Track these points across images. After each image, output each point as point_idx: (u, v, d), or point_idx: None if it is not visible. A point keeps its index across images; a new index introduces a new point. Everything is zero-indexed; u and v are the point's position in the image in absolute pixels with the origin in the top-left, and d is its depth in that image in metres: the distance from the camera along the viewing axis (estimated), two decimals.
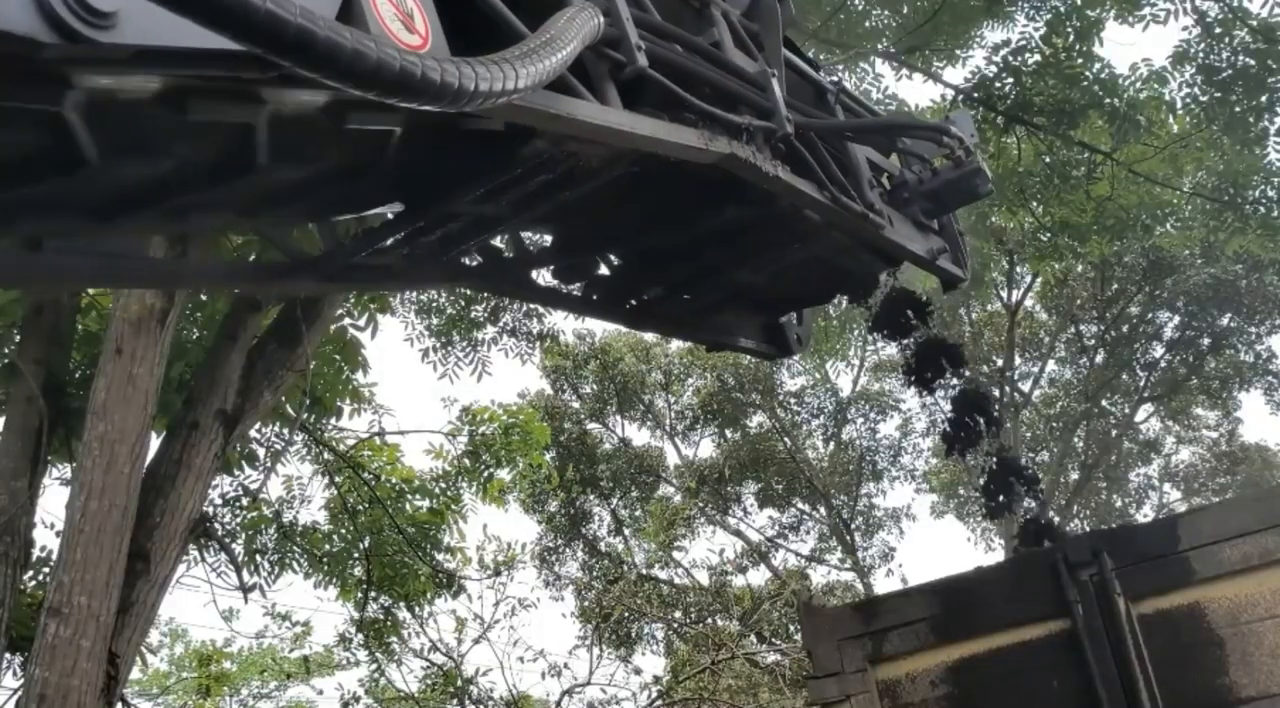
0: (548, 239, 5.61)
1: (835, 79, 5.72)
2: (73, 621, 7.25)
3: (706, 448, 27.15)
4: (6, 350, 9.47)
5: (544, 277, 6.04)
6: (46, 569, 9.59)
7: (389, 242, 4.36)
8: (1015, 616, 5.95)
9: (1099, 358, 28.12)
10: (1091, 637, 5.65)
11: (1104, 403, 28.59)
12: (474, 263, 5.27)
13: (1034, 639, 5.87)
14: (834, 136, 5.21)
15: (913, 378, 7.75)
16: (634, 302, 5.80)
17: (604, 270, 5.71)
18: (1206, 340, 26.89)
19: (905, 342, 7.43)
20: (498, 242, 5.40)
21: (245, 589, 10.99)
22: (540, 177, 4.00)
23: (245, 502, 12.71)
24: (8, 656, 8.48)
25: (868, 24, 14.57)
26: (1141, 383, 28.44)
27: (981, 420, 7.62)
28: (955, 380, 7.76)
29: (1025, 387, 28.87)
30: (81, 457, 7.73)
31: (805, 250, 5.50)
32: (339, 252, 4.37)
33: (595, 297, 5.71)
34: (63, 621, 7.24)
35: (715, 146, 4.11)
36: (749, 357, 25.87)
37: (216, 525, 11.03)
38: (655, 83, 3.86)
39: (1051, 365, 29.48)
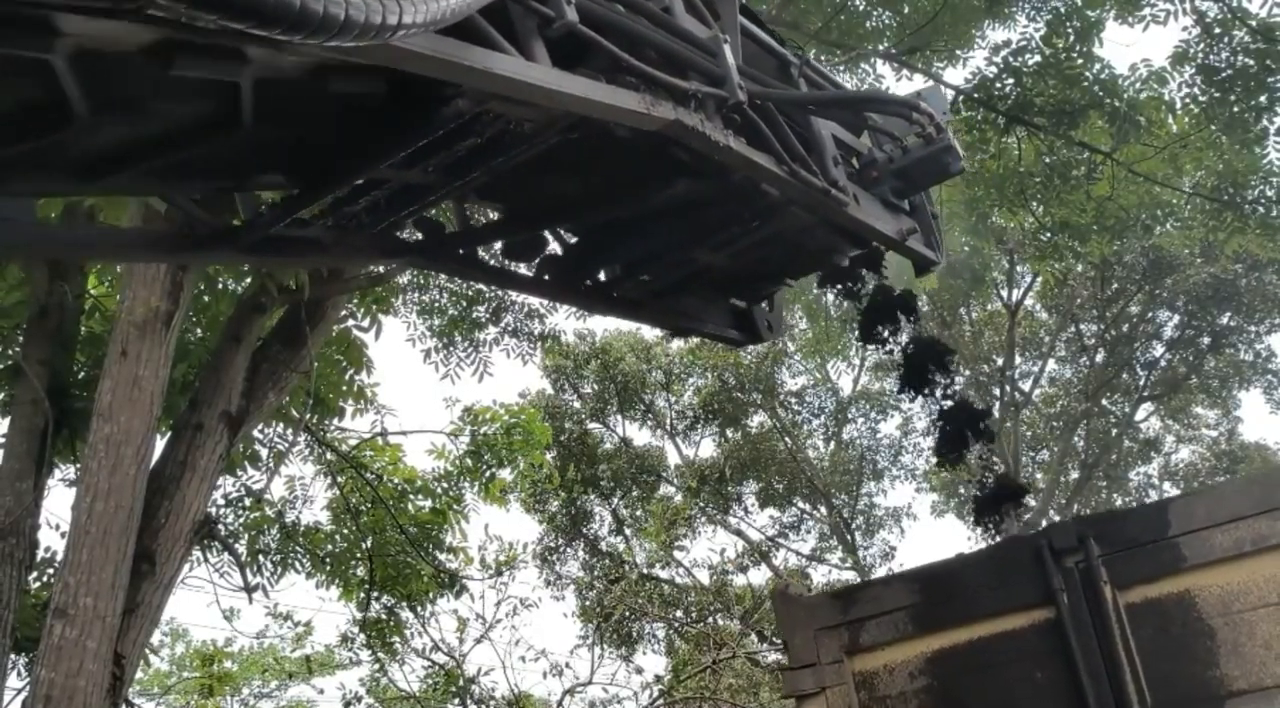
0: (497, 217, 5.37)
1: (799, 52, 5.50)
2: (78, 622, 7.27)
3: (707, 448, 27.20)
4: (11, 352, 9.50)
5: (501, 258, 5.79)
6: (51, 570, 9.63)
7: (312, 213, 4.13)
8: (998, 605, 5.69)
9: (1099, 357, 28.15)
10: (1077, 627, 5.43)
11: (1104, 402, 28.62)
12: (414, 238, 5.07)
13: (1017, 629, 5.64)
14: (795, 109, 4.98)
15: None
16: (589, 282, 5.58)
17: (557, 249, 5.48)
18: (1206, 339, 26.95)
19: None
20: (442, 217, 5.22)
21: (249, 590, 11.01)
22: (466, 141, 3.77)
23: (248, 502, 12.74)
24: (13, 657, 8.50)
25: (869, 24, 14.59)
26: (1141, 382, 28.48)
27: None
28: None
29: (1025, 386, 28.94)
30: (87, 458, 7.75)
31: (765, 229, 5.28)
32: (257, 222, 4.11)
33: (548, 277, 5.49)
34: (69, 622, 7.26)
35: (659, 112, 3.85)
36: (749, 356, 25.93)
37: (220, 526, 11.05)
38: (591, 43, 3.64)
39: (1052, 365, 29.55)
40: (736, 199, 4.98)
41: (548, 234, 5.41)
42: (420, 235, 5.05)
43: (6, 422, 9.00)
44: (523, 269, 6.00)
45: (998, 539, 7.10)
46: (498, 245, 5.69)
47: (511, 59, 3.27)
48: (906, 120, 5.11)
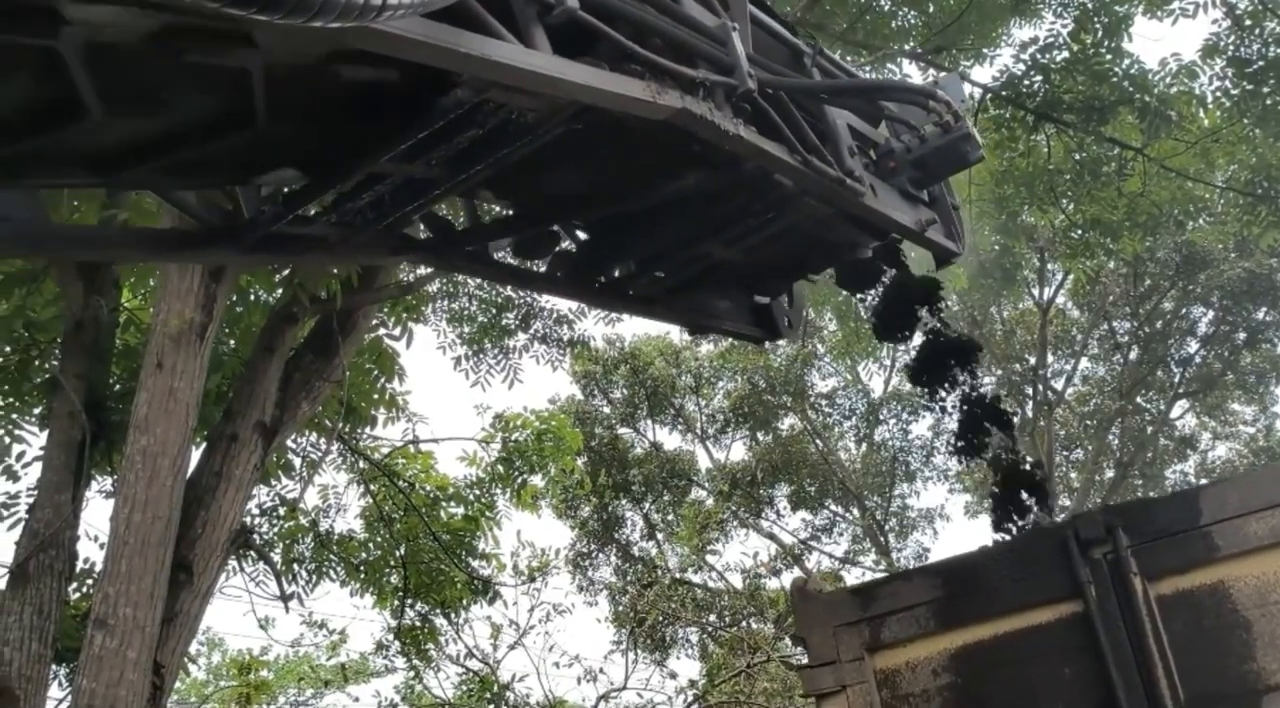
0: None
1: (812, 41, 5.35)
2: (118, 632, 7.34)
3: (738, 451, 27.16)
4: (48, 366, 9.61)
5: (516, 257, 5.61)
6: (90, 581, 9.72)
7: (313, 209, 4.04)
8: (1023, 598, 5.45)
9: (1133, 355, 27.89)
10: (1105, 620, 5.17)
11: (1139, 400, 28.36)
12: (422, 236, 4.97)
13: (1043, 624, 5.38)
14: (808, 98, 4.85)
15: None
16: (603, 279, 5.46)
17: (570, 246, 5.38)
18: (1242, 335, 26.64)
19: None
20: (451, 214, 5.08)
21: (285, 598, 11.08)
22: (467, 132, 3.66)
23: (283, 511, 12.83)
24: (55, 667, 8.58)
25: (894, 24, 14.54)
26: (1176, 379, 28.20)
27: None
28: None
29: (1058, 385, 28.71)
30: (124, 470, 7.82)
31: (780, 221, 5.14)
32: (259, 221, 4.02)
33: (560, 274, 5.40)
34: (109, 632, 7.33)
35: (665, 100, 3.75)
36: (779, 358, 25.87)
37: (255, 536, 11.13)
38: (594, 30, 3.54)
39: (1085, 363, 29.31)
40: (749, 191, 4.87)
41: (559, 230, 5.31)
42: (429, 233, 4.96)
43: (45, 435, 9.10)
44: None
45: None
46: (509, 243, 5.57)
47: (510, 46, 3.19)
48: (923, 109, 5.00)
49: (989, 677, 5.50)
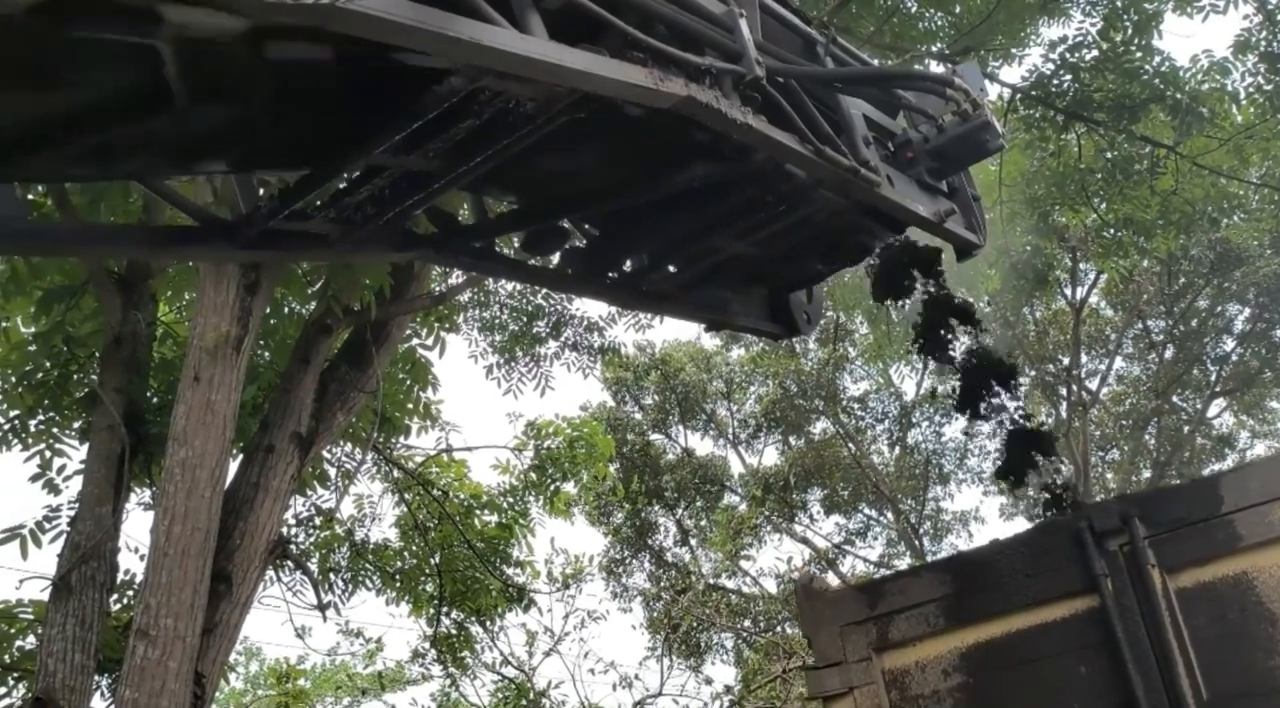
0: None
1: (826, 30, 5.19)
2: (160, 642, 7.42)
3: (770, 456, 27.12)
4: (88, 380, 9.74)
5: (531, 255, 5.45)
6: (132, 592, 9.83)
7: (312, 204, 3.95)
8: (1036, 594, 5.26)
9: (1168, 353, 27.63)
10: (1123, 615, 4.98)
11: (1175, 399, 28.07)
12: (426, 232, 4.87)
13: (1058, 620, 5.21)
14: (821, 87, 4.71)
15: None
16: (614, 275, 5.33)
17: (580, 242, 5.26)
18: (1279, 332, 26.34)
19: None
20: (458, 210, 4.97)
21: (322, 607, 11.16)
22: (465, 122, 3.54)
23: (319, 521, 12.92)
24: (97, 678, 8.68)
25: (921, 26, 14.47)
26: (1213, 377, 27.90)
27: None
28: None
29: (1093, 385, 28.46)
30: (164, 482, 7.91)
31: (793, 214, 4.99)
32: (256, 216, 3.91)
33: (571, 270, 5.28)
34: (150, 642, 7.42)
35: (668, 88, 3.62)
36: (810, 362, 25.82)
37: (292, 546, 11.21)
38: (594, 17, 3.44)
39: (1119, 362, 29.02)
40: (760, 182, 4.74)
41: (569, 226, 5.19)
42: (433, 229, 4.87)
43: (85, 448, 9.21)
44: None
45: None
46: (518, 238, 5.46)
47: (504, 31, 3.10)
48: (941, 98, 4.89)
49: (1002, 676, 5.34)
